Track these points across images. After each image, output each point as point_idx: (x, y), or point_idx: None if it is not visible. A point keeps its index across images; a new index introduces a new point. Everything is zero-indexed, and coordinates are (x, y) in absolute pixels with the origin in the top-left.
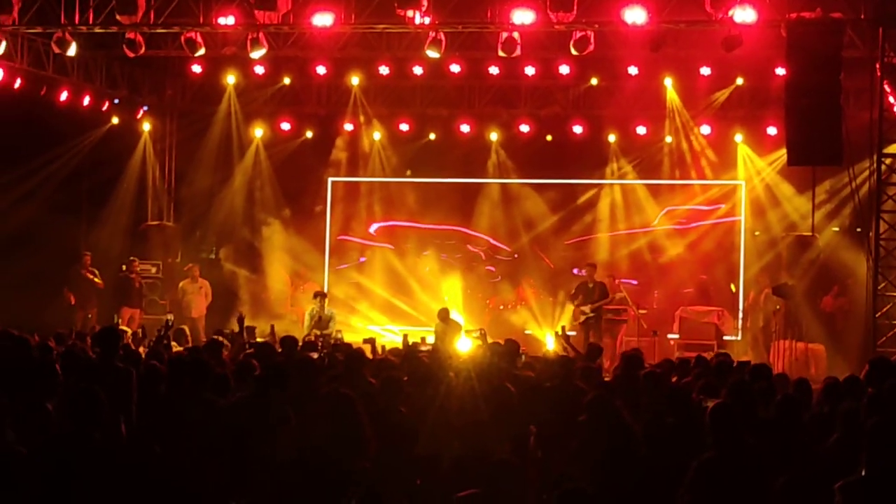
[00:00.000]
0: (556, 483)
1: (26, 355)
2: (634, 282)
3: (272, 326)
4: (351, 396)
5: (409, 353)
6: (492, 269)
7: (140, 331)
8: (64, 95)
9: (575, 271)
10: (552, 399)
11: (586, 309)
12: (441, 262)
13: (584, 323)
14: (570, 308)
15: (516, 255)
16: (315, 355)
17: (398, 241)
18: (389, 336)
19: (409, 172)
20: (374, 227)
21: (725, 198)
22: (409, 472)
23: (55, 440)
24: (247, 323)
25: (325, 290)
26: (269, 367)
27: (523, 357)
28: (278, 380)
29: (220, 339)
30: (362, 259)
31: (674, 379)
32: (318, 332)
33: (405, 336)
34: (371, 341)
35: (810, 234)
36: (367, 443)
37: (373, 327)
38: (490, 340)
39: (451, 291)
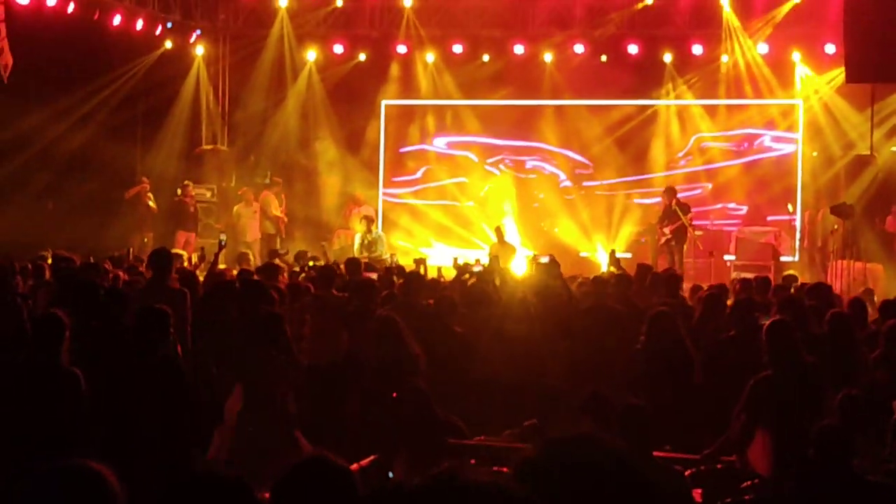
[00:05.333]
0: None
1: (87, 279)
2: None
3: (323, 246)
4: (394, 318)
5: (461, 274)
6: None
7: (200, 252)
8: (117, 20)
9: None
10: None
11: (666, 231)
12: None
13: (667, 244)
14: (625, 230)
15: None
16: (374, 276)
17: (454, 167)
18: (444, 259)
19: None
20: (443, 141)
21: (783, 117)
22: (464, 392)
23: (123, 357)
24: (301, 247)
25: (380, 213)
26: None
27: (579, 279)
28: None
29: (278, 262)
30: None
31: (730, 301)
32: (367, 255)
33: (455, 259)
34: (421, 262)
35: (869, 153)
36: (415, 359)
37: (427, 249)
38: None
39: (506, 213)
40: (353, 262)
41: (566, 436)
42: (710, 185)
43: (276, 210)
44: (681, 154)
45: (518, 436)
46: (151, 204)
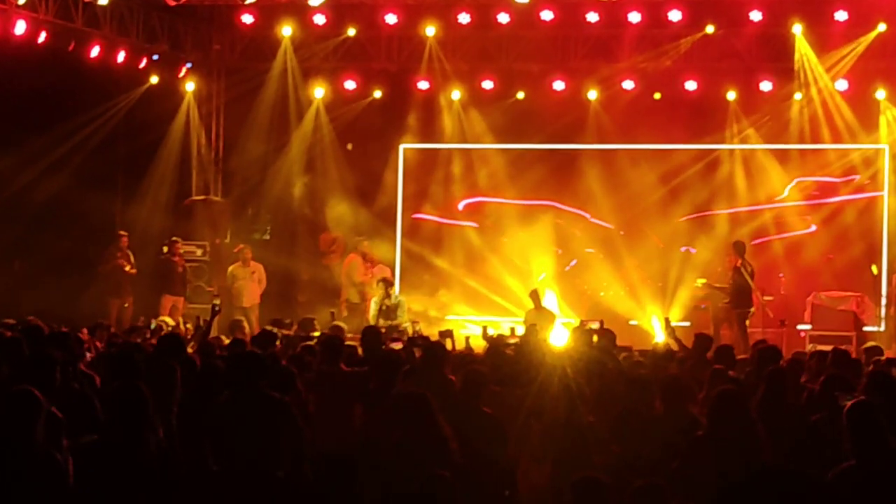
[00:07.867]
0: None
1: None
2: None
3: (332, 314)
4: (425, 396)
5: (494, 345)
6: (591, 250)
7: (196, 321)
8: (95, 51)
9: (684, 249)
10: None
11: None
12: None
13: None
14: (682, 294)
15: (622, 233)
16: (398, 346)
17: (482, 218)
18: (473, 328)
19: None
20: (461, 205)
21: (866, 165)
22: (495, 483)
23: (102, 441)
24: (308, 314)
25: (398, 273)
26: None
27: (636, 353)
28: None
29: (276, 330)
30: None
31: (804, 378)
32: (385, 322)
33: (484, 328)
34: (449, 334)
35: None
36: (447, 447)
37: (453, 317)
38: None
39: (544, 276)
40: (370, 332)
41: None
42: (781, 243)
43: (361, 275)
44: (747, 206)
45: None
46: (128, 268)
